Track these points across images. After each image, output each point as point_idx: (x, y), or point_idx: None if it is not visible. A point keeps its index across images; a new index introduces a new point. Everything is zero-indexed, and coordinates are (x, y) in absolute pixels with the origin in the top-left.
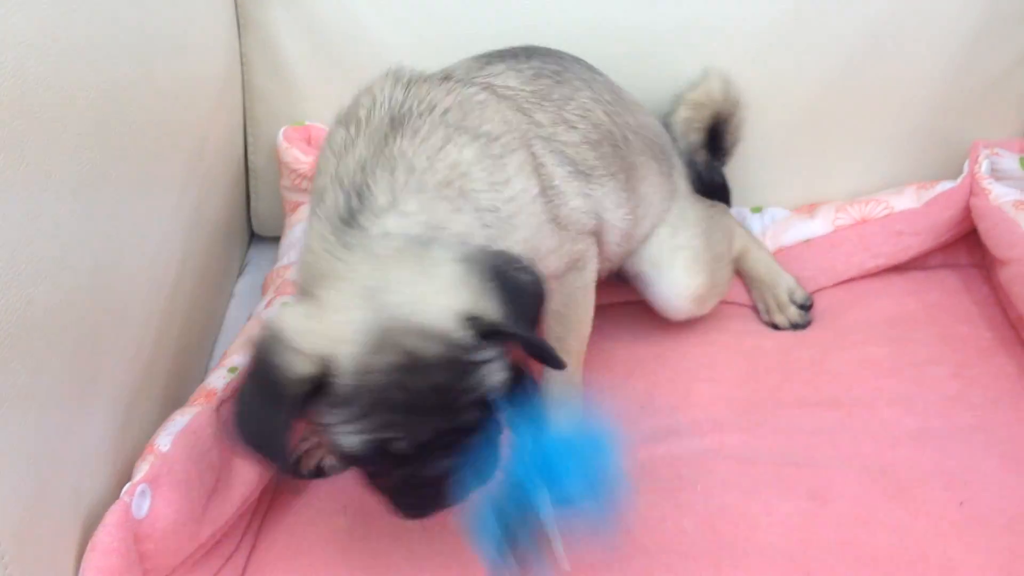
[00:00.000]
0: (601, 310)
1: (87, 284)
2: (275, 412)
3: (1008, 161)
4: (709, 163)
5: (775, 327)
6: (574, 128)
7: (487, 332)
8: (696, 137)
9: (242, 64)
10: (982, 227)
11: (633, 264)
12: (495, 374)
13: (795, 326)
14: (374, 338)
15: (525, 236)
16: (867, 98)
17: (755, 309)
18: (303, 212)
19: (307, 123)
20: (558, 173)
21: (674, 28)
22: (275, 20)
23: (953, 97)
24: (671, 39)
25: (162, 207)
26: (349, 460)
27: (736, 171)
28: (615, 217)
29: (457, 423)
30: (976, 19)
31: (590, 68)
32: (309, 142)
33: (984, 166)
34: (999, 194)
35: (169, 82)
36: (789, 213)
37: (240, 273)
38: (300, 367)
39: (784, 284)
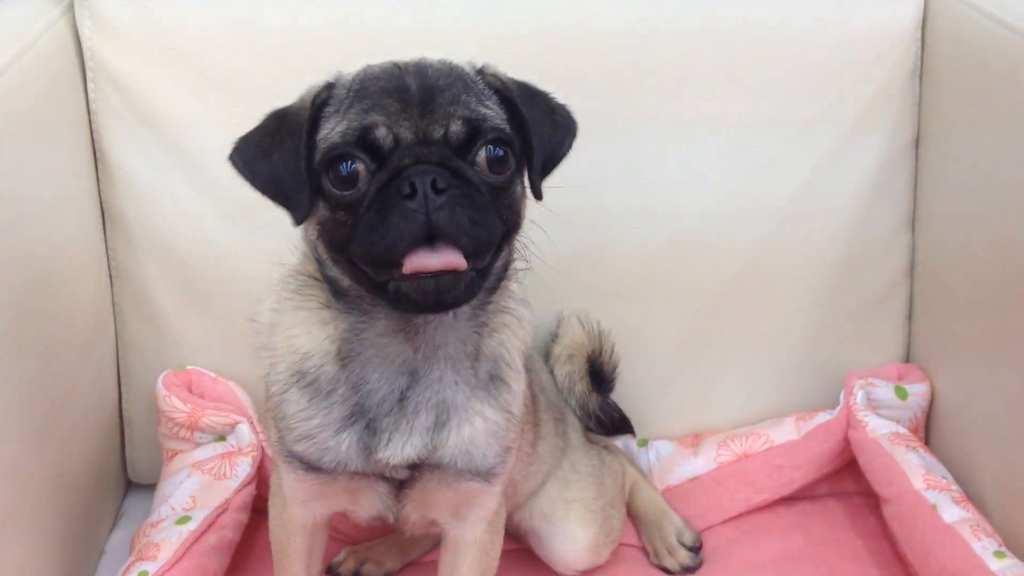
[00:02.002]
0: None
1: None
2: (290, 147)
3: (884, 391)
4: (603, 403)
5: (666, 571)
6: None
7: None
8: (581, 386)
9: (114, 314)
10: (861, 460)
11: (524, 520)
12: (491, 111)
13: (686, 569)
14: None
15: None
16: (744, 329)
17: (644, 551)
18: (180, 461)
19: (188, 367)
20: None
21: (552, 261)
22: (148, 272)
23: (828, 325)
24: (550, 272)
25: (20, 455)
26: (330, 161)
27: (620, 404)
28: None
29: (443, 137)
30: (845, 249)
31: None
32: (190, 389)
33: (859, 397)
34: (875, 427)
35: (36, 332)
36: (674, 446)
37: (114, 526)
38: (308, 92)
39: (672, 526)
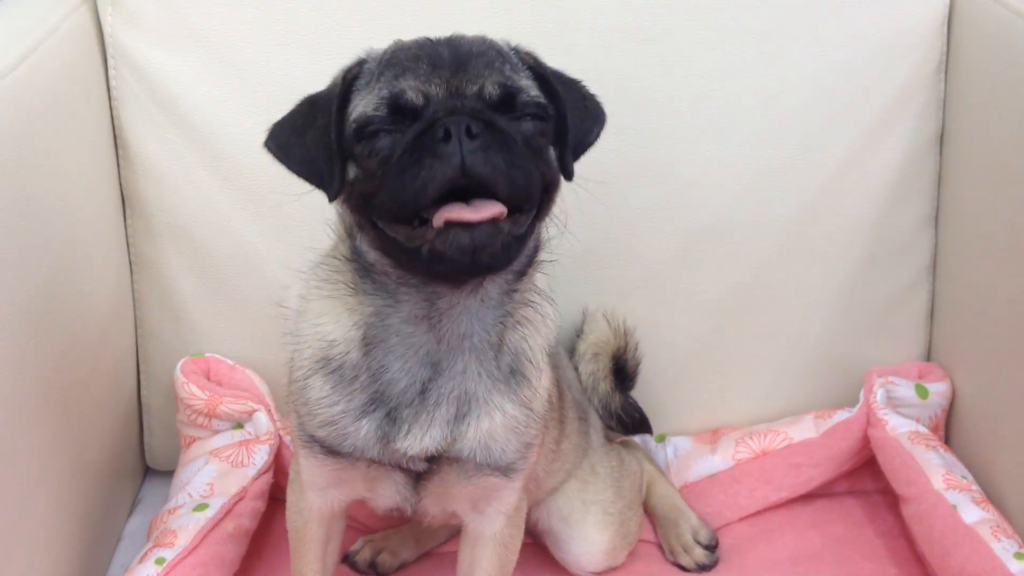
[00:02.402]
0: None
1: None
2: (322, 123)
3: (904, 389)
4: (624, 403)
5: (682, 568)
6: None
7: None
8: (605, 385)
9: (134, 301)
10: (881, 459)
11: (542, 519)
12: (525, 82)
13: (701, 567)
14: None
15: None
16: (763, 325)
17: (661, 547)
18: (197, 448)
19: (207, 355)
20: None
21: (570, 255)
22: (167, 259)
23: (849, 322)
24: (568, 265)
25: (40, 441)
26: (361, 130)
27: (638, 399)
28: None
29: (476, 93)
30: (866, 245)
31: None
32: (208, 376)
33: (879, 395)
34: (895, 425)
35: (56, 319)
36: (691, 443)
37: (131, 512)
38: (340, 70)
39: (688, 524)
